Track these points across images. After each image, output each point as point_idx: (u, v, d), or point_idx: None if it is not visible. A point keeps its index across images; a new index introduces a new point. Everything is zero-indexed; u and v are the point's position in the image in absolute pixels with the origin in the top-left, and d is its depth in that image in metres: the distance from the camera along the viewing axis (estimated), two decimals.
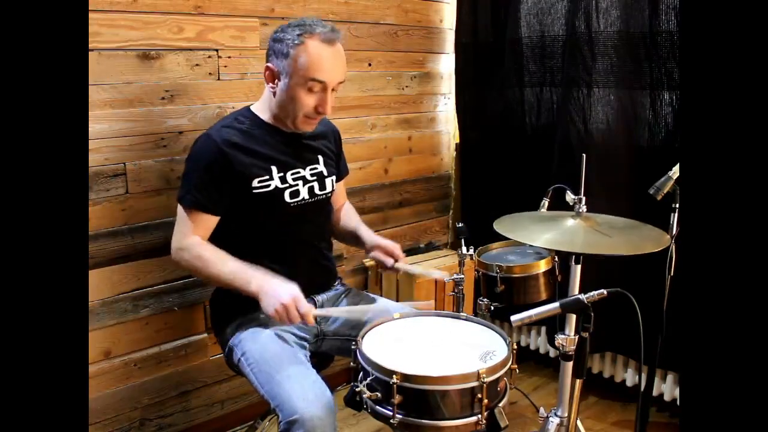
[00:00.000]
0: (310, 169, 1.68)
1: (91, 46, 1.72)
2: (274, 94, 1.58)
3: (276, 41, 1.54)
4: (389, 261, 1.68)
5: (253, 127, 1.62)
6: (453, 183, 2.88)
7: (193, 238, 1.55)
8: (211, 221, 1.57)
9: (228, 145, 1.55)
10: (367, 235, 1.77)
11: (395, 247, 1.70)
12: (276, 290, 1.43)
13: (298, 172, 1.65)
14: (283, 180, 1.61)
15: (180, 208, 1.58)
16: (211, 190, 1.55)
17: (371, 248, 1.73)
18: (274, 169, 1.60)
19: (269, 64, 1.56)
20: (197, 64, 1.95)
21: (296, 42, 1.50)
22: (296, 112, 1.56)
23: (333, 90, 1.56)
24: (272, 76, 1.57)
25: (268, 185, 1.59)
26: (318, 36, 1.50)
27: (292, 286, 1.44)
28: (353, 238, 1.83)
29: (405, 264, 1.71)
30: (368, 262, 2.53)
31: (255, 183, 1.57)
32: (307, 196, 1.66)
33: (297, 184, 1.64)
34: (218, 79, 2.00)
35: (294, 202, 1.63)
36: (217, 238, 1.58)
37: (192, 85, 1.95)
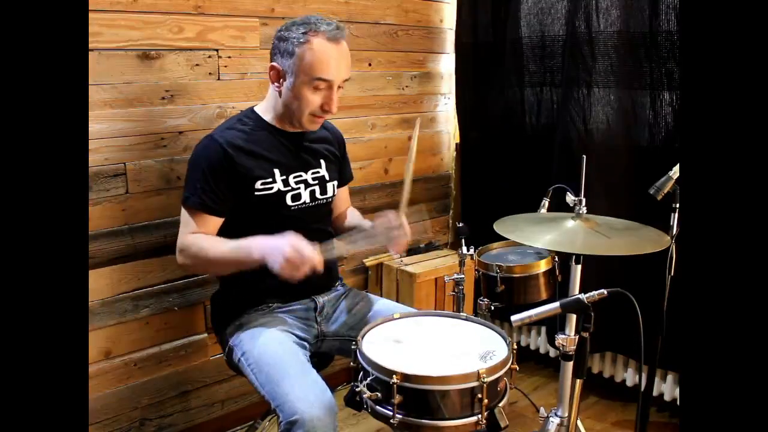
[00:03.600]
0: (312, 173, 1.68)
1: (91, 46, 1.72)
2: (280, 93, 1.58)
3: (281, 40, 1.54)
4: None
5: (256, 128, 1.61)
6: (453, 183, 2.88)
7: (192, 235, 1.54)
8: (215, 223, 1.56)
9: (231, 146, 1.55)
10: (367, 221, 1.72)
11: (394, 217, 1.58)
12: (275, 246, 1.37)
13: (300, 176, 1.65)
14: (285, 183, 1.61)
15: (183, 210, 1.56)
16: (215, 191, 1.54)
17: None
18: (276, 171, 1.60)
19: (274, 63, 1.56)
20: (197, 64, 1.95)
21: (301, 41, 1.50)
22: (302, 111, 1.56)
23: (339, 87, 1.57)
24: (277, 76, 1.56)
25: (271, 188, 1.59)
26: (323, 34, 1.51)
27: (289, 235, 1.38)
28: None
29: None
30: (368, 262, 2.53)
31: (258, 185, 1.57)
32: (308, 200, 1.66)
33: (299, 188, 1.64)
34: (218, 79, 2.00)
35: (295, 206, 1.63)
36: None
37: (192, 85, 1.95)
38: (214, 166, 1.53)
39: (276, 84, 1.58)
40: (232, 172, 1.54)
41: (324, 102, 1.55)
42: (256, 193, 1.57)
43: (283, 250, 1.35)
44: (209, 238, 1.54)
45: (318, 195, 1.69)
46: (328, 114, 1.58)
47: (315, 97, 1.54)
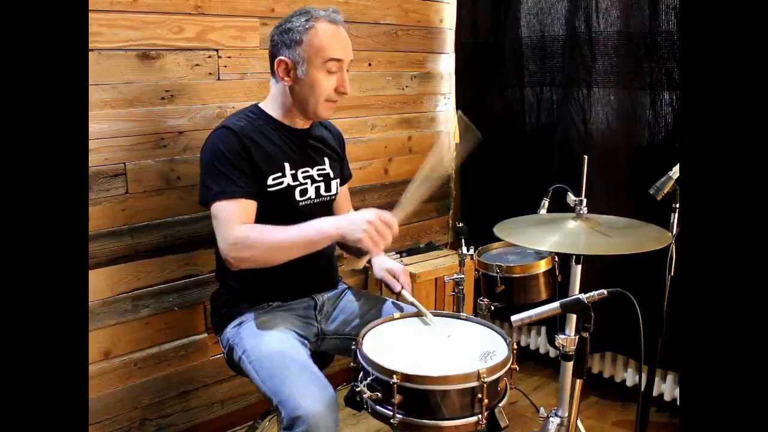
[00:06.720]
0: (318, 169, 1.68)
1: (91, 46, 1.72)
2: (291, 88, 1.58)
3: (284, 33, 1.54)
4: (397, 286, 1.66)
5: (264, 123, 1.61)
6: (453, 183, 2.88)
7: (244, 225, 1.49)
8: (254, 209, 1.53)
9: (246, 137, 1.54)
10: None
11: (402, 272, 1.69)
12: (355, 216, 1.41)
13: (307, 171, 1.65)
14: (294, 178, 1.61)
15: (219, 206, 1.49)
16: (247, 175, 1.52)
17: (380, 269, 1.73)
18: (287, 166, 1.60)
19: (282, 57, 1.55)
20: (197, 64, 1.95)
21: (307, 27, 1.52)
22: (318, 98, 1.56)
23: (347, 70, 1.58)
24: (286, 69, 1.56)
25: (281, 182, 1.59)
26: (324, 18, 1.54)
27: (362, 210, 1.42)
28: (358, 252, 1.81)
29: (408, 294, 1.65)
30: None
31: (270, 181, 1.56)
32: (313, 196, 1.66)
33: (306, 183, 1.64)
34: (218, 79, 2.00)
35: (303, 201, 1.63)
36: None
37: (192, 85, 1.95)
38: (237, 152, 1.52)
39: (285, 78, 1.57)
40: (251, 162, 1.54)
41: (338, 84, 1.57)
42: (268, 189, 1.56)
43: (366, 218, 1.36)
44: (264, 226, 1.50)
45: (323, 192, 1.69)
46: (343, 96, 1.59)
47: (329, 81, 1.55)
